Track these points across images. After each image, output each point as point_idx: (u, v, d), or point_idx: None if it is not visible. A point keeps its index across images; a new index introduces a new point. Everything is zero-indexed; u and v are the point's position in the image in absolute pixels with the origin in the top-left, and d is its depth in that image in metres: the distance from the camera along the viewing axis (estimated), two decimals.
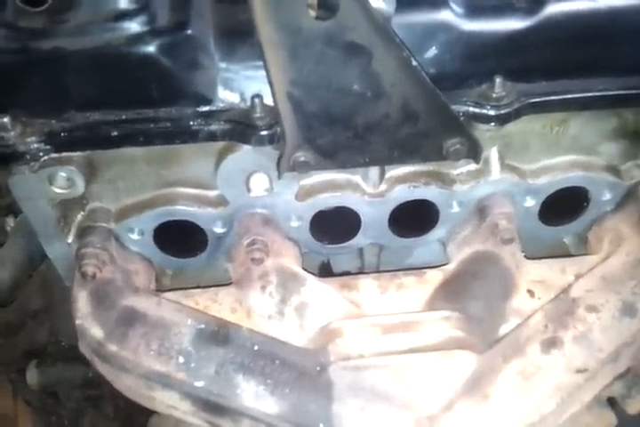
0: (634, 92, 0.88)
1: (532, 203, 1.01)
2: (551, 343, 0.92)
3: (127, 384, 0.95)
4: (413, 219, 1.03)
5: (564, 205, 1.04)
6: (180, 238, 1.02)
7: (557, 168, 0.99)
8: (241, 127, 0.85)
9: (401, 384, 0.90)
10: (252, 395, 0.88)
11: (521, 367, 0.90)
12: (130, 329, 0.93)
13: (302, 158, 0.87)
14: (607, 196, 1.02)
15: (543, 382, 0.89)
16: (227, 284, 1.02)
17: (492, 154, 0.97)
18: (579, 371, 0.91)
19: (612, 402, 1.07)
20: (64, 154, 0.88)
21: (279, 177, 0.91)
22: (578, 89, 0.88)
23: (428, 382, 0.90)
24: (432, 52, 0.87)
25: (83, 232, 0.97)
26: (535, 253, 1.03)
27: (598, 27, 0.86)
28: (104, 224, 0.97)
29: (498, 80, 0.86)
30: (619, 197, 1.02)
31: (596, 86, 0.88)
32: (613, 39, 0.87)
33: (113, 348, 0.93)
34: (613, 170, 1.01)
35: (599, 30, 0.86)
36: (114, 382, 0.97)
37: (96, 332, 0.94)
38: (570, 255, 1.09)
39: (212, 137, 0.86)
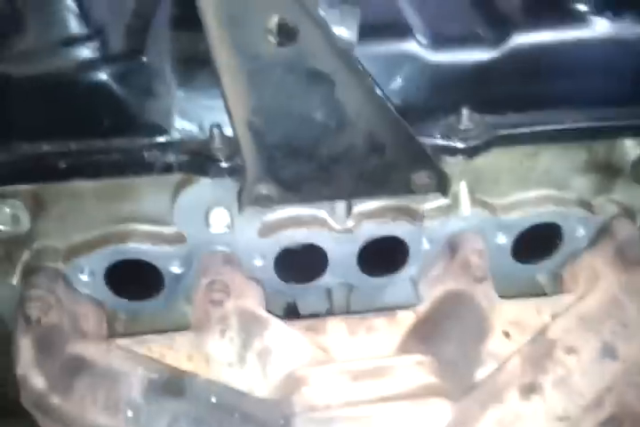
0: (603, 124, 0.88)
1: (503, 239, 0.98)
2: (530, 389, 0.87)
3: None
4: (383, 257, 1.00)
5: (537, 242, 1.01)
6: (135, 279, 0.97)
7: (529, 203, 0.97)
8: (199, 159, 0.82)
9: None
10: None
11: (499, 415, 0.85)
12: (75, 379, 0.86)
13: (264, 192, 0.84)
14: (581, 232, 1.00)
15: None
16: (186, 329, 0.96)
17: (462, 188, 0.94)
18: (560, 419, 0.86)
19: None
20: (8, 187, 0.84)
21: (240, 212, 0.87)
22: (547, 121, 0.87)
23: None
24: (397, 83, 0.86)
25: (28, 273, 0.92)
26: (507, 291, 0.99)
27: (565, 58, 0.86)
28: (51, 264, 0.92)
29: (465, 112, 0.85)
30: (592, 233, 1.00)
31: (566, 118, 0.87)
32: (580, 71, 0.87)
33: (56, 400, 0.85)
34: (586, 205, 0.99)
35: (566, 61, 0.86)
36: None
37: (38, 382, 0.87)
38: (543, 294, 1.05)
39: (168, 169, 0.83)
